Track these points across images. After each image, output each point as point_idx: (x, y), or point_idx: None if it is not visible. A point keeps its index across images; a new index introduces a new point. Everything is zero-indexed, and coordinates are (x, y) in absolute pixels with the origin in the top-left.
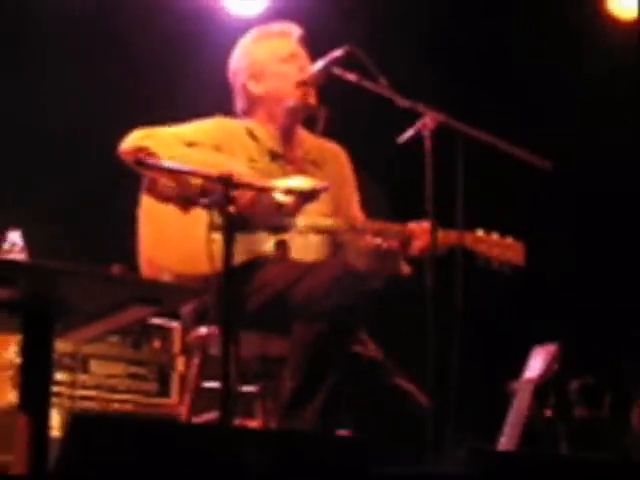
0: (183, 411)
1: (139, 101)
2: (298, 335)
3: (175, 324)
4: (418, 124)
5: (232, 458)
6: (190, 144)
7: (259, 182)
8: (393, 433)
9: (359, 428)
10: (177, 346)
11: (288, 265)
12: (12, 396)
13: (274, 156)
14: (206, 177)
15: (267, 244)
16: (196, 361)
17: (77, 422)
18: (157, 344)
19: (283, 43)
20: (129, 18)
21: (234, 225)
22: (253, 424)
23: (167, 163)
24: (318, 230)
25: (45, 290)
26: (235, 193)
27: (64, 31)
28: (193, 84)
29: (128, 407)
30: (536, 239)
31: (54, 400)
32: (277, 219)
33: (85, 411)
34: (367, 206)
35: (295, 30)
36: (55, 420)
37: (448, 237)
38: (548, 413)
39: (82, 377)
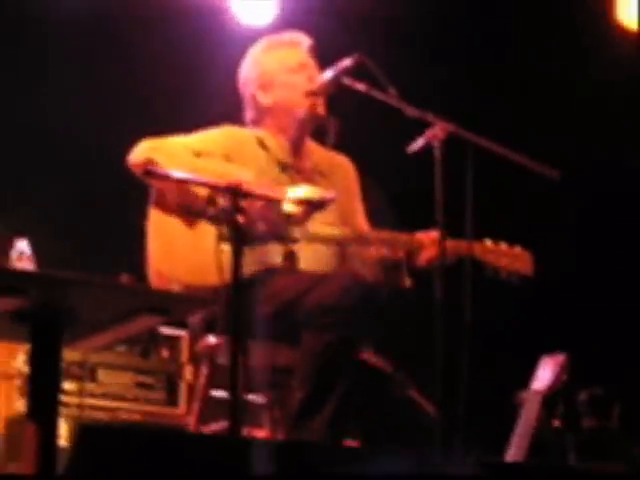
0: (191, 421)
1: (149, 111)
2: (307, 345)
3: (183, 333)
4: (428, 134)
5: (241, 468)
6: (199, 154)
7: (268, 192)
8: (401, 444)
9: (367, 439)
10: (185, 355)
11: (297, 276)
12: (20, 405)
13: (284, 167)
14: (214, 187)
15: (275, 255)
16: (204, 370)
17: (85, 432)
18: (165, 353)
19: (292, 53)
20: (140, 26)
21: (243, 235)
22: (261, 434)
23: (176, 173)
24: (326, 240)
25: (54, 299)
26: (244, 203)
27: (82, 47)
28: (203, 93)
29: (136, 416)
30: (544, 249)
31: (62, 409)
32: (285, 229)
33: (93, 420)
34: (374, 217)
35: (305, 40)
36: (63, 429)
37: (457, 247)
38: (556, 424)
39: (90, 386)
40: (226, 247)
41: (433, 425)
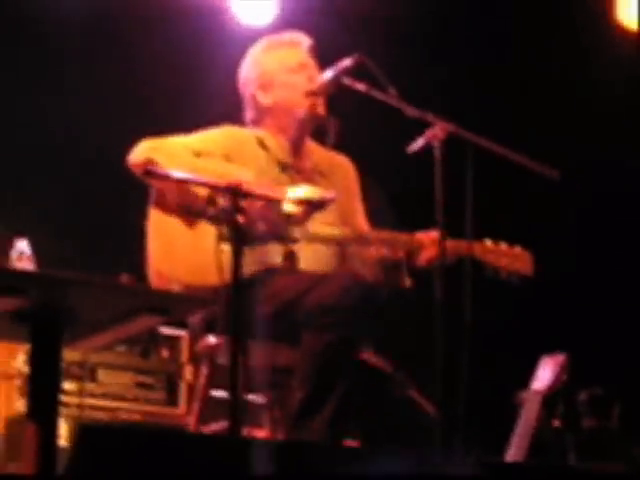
0: (191, 421)
1: (149, 111)
2: (307, 345)
3: (183, 333)
4: (428, 134)
5: (241, 469)
6: (199, 154)
7: (268, 192)
8: (401, 444)
9: (367, 439)
10: (185, 355)
11: (297, 276)
12: (20, 405)
13: (284, 167)
14: (214, 187)
15: (275, 255)
16: (204, 370)
17: (85, 432)
18: (165, 353)
19: (292, 53)
20: (140, 27)
21: (243, 235)
22: (260, 434)
23: (176, 173)
24: (326, 239)
25: (54, 299)
26: (244, 203)
27: (86, 47)
28: (203, 93)
29: (136, 416)
30: (544, 249)
31: (62, 409)
32: (285, 229)
33: (93, 420)
34: (374, 217)
35: (305, 40)
36: (63, 429)
37: (457, 247)
38: (556, 424)
39: (90, 386)
40: (226, 247)
41: (433, 425)
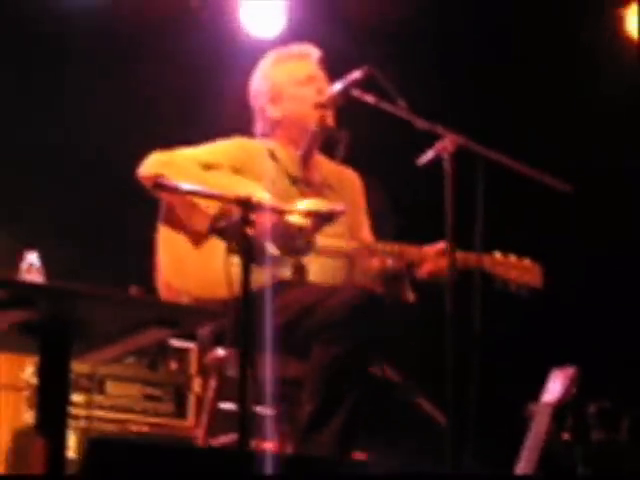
0: (199, 433)
1: (160, 125)
2: (316, 358)
3: (192, 345)
4: (437, 146)
5: None
6: (209, 166)
7: (278, 205)
8: (411, 456)
9: (376, 451)
10: (194, 367)
11: (306, 288)
12: (28, 417)
13: (294, 180)
14: (224, 199)
15: (285, 268)
16: (213, 383)
17: (94, 446)
18: (173, 365)
19: (301, 65)
20: (150, 39)
21: (252, 248)
22: (269, 447)
23: (185, 185)
24: (334, 252)
25: (64, 312)
26: (254, 217)
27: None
28: (213, 105)
29: (144, 429)
30: (554, 261)
31: (70, 421)
32: (295, 242)
33: (101, 432)
34: (375, 220)
35: (314, 52)
36: (71, 441)
37: (466, 259)
38: (566, 436)
39: (98, 398)
40: (235, 260)
41: (443, 437)
